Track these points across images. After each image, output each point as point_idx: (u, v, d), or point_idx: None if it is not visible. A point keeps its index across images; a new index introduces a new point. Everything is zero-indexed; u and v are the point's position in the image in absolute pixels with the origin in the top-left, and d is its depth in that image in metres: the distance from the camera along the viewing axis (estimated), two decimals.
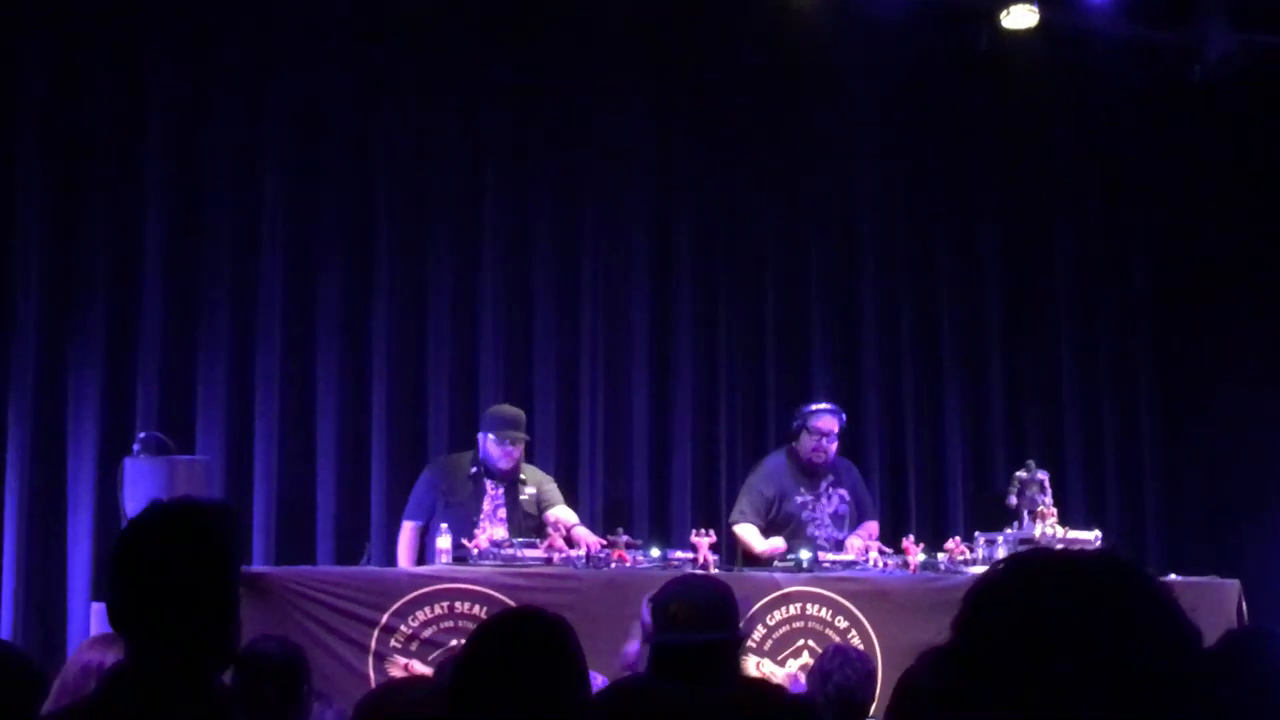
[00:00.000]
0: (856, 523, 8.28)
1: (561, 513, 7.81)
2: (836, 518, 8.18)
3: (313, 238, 8.94)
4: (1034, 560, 1.69)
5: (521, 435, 7.88)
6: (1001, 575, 1.68)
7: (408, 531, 7.82)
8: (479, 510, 7.60)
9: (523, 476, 7.92)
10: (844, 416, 8.36)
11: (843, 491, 8.25)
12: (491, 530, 7.35)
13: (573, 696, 3.01)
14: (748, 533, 8.05)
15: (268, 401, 8.67)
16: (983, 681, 1.61)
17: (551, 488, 8.05)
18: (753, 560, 8.00)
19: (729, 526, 8.23)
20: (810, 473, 8.20)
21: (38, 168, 8.42)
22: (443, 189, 9.26)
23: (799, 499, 8.13)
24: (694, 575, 4.34)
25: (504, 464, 7.79)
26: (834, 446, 8.22)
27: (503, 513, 7.67)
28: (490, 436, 7.78)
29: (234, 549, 2.74)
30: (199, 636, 2.62)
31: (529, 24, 9.43)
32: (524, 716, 2.92)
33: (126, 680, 2.62)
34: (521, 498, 7.83)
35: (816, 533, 8.06)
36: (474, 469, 7.82)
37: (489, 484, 7.78)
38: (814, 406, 8.30)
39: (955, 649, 1.66)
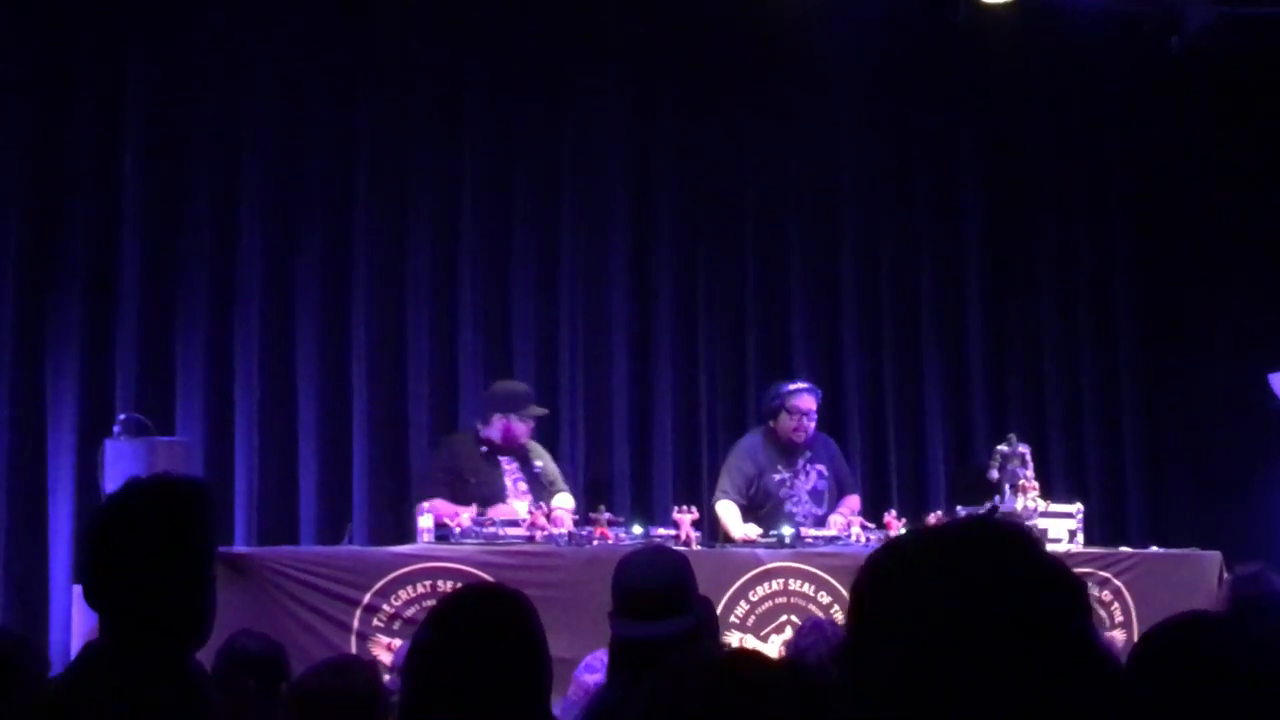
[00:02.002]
0: (836, 498, 8.28)
1: (564, 501, 7.78)
2: (815, 494, 8.18)
3: (292, 219, 8.91)
4: (903, 551, 1.67)
5: (542, 409, 7.97)
6: (865, 569, 1.66)
7: (439, 503, 7.56)
8: (501, 488, 7.58)
9: (528, 447, 7.95)
10: (820, 393, 8.35)
11: (820, 467, 8.25)
12: (517, 506, 7.36)
13: (531, 674, 2.97)
14: (728, 513, 8.03)
15: (248, 382, 8.65)
16: (869, 682, 1.60)
17: (553, 464, 8.09)
18: (731, 540, 7.99)
19: (712, 505, 8.21)
20: (788, 450, 8.20)
21: (16, 147, 8.38)
22: (422, 168, 9.23)
23: (776, 477, 8.13)
24: (645, 552, 4.30)
25: (525, 438, 7.87)
26: (813, 424, 8.22)
27: (523, 486, 7.66)
28: (512, 415, 7.79)
29: (209, 525, 2.72)
30: (174, 614, 2.61)
31: (510, 2, 9.41)
32: (481, 696, 2.88)
33: (101, 657, 2.61)
34: (535, 470, 7.84)
35: (795, 509, 8.07)
36: (483, 448, 7.81)
37: (503, 460, 7.77)
38: (791, 386, 8.26)
39: (846, 646, 1.65)
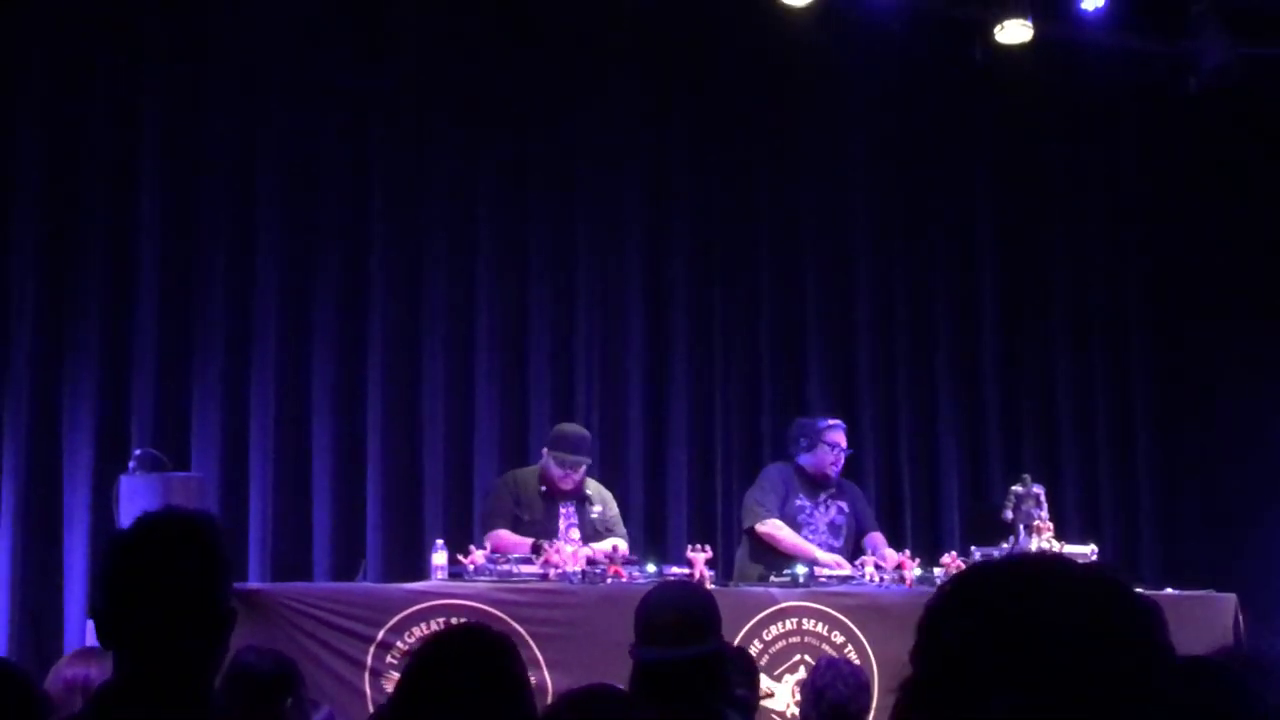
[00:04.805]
0: (854, 536, 8.29)
1: (605, 546, 7.63)
2: (833, 527, 8.22)
3: (307, 253, 8.94)
4: (978, 582, 1.64)
5: (583, 460, 7.81)
6: (943, 600, 1.64)
7: (503, 534, 7.57)
8: (554, 529, 7.56)
9: (589, 493, 7.90)
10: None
11: (842, 503, 8.29)
12: (566, 549, 7.30)
13: (513, 713, 2.98)
14: (777, 529, 8.03)
15: (263, 418, 8.67)
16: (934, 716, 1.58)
17: (614, 510, 8.00)
18: (773, 555, 7.97)
19: (748, 531, 8.19)
20: (814, 484, 8.24)
21: (33, 184, 8.42)
22: (438, 204, 9.26)
23: (798, 503, 8.19)
24: (670, 584, 4.30)
25: (565, 485, 7.74)
26: (844, 458, 8.30)
27: (575, 532, 7.61)
28: (552, 458, 7.76)
29: (223, 558, 2.68)
30: (191, 648, 2.57)
31: (525, 36, 9.45)
32: None
33: (118, 696, 2.58)
34: (591, 515, 7.80)
35: (811, 538, 8.10)
36: (543, 487, 7.80)
37: (560, 503, 7.75)
38: (827, 421, 8.37)
39: (913, 681, 1.63)
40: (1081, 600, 1.57)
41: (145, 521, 2.68)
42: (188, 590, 2.57)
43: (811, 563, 7.76)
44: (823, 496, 8.26)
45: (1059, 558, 1.67)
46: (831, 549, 8.10)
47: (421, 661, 3.03)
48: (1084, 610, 1.56)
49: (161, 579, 2.57)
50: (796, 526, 8.12)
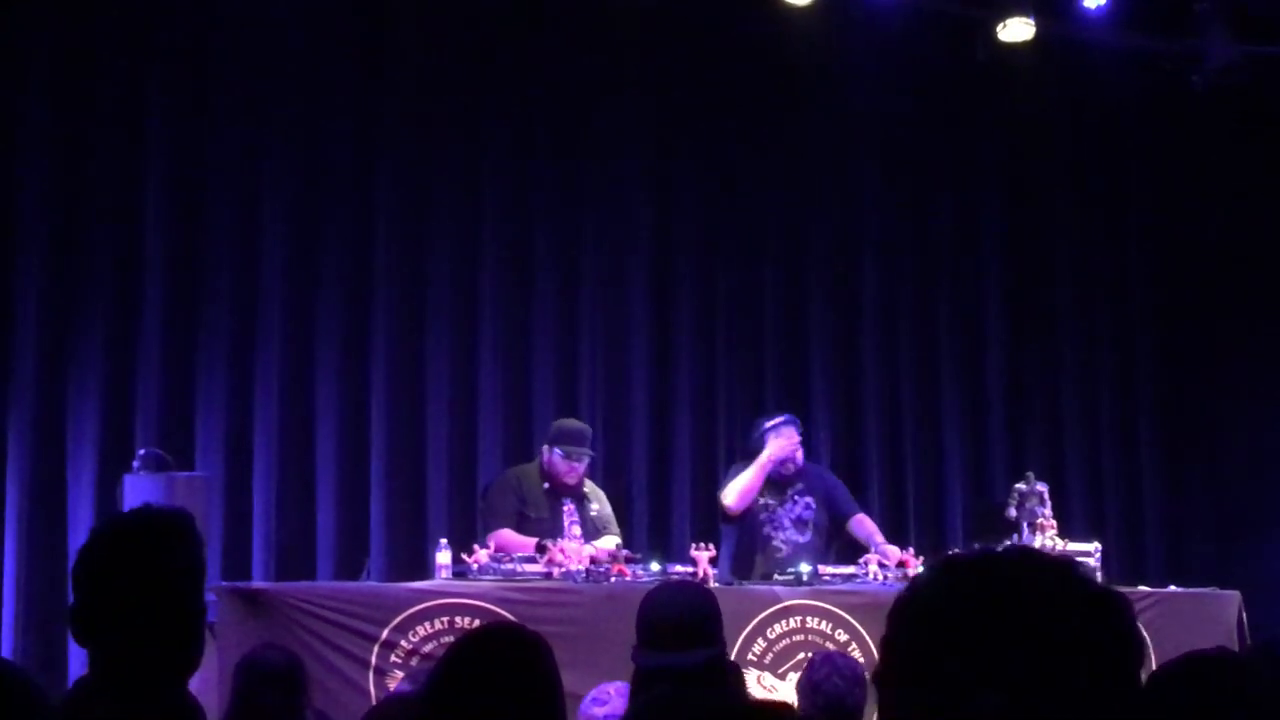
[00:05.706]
0: (829, 524, 8.28)
1: (605, 543, 7.71)
2: (799, 523, 8.23)
3: (312, 252, 8.95)
4: (945, 577, 1.65)
5: (588, 452, 7.88)
6: (913, 593, 1.64)
7: (506, 534, 7.54)
8: (559, 527, 7.56)
9: (586, 490, 7.93)
10: (799, 423, 8.44)
11: (809, 499, 8.27)
12: (569, 547, 7.29)
13: (546, 715, 2.98)
14: (732, 487, 8.18)
15: (267, 417, 8.67)
16: (904, 711, 1.58)
17: (609, 508, 8.03)
18: (749, 569, 7.99)
19: (725, 521, 8.33)
20: (776, 483, 8.25)
21: (38, 183, 8.42)
22: (442, 204, 9.27)
23: (762, 501, 8.22)
24: (672, 584, 4.29)
25: (570, 479, 7.78)
26: (799, 454, 8.27)
27: (577, 529, 7.61)
28: (558, 451, 7.78)
29: (194, 555, 2.68)
30: (163, 645, 2.58)
31: (529, 31, 9.47)
32: None
33: (92, 694, 2.59)
34: (590, 513, 7.81)
35: (774, 534, 8.14)
36: (545, 484, 7.81)
37: (564, 499, 7.76)
38: (772, 421, 8.36)
39: (880, 673, 1.63)
40: (1056, 594, 1.57)
41: (118, 520, 2.69)
42: (159, 588, 2.58)
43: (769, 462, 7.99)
44: (789, 493, 8.27)
45: (1026, 551, 1.67)
46: (798, 545, 8.11)
47: (456, 660, 3.03)
48: (1058, 604, 1.56)
49: (133, 577, 2.58)
50: (759, 524, 8.17)
